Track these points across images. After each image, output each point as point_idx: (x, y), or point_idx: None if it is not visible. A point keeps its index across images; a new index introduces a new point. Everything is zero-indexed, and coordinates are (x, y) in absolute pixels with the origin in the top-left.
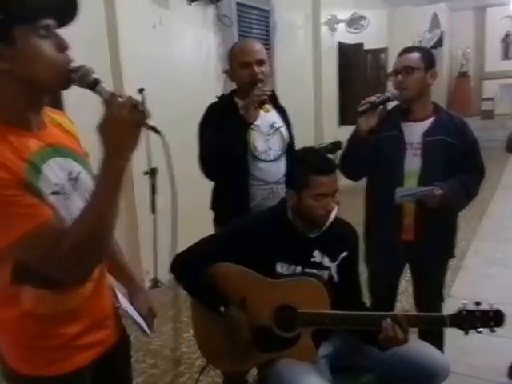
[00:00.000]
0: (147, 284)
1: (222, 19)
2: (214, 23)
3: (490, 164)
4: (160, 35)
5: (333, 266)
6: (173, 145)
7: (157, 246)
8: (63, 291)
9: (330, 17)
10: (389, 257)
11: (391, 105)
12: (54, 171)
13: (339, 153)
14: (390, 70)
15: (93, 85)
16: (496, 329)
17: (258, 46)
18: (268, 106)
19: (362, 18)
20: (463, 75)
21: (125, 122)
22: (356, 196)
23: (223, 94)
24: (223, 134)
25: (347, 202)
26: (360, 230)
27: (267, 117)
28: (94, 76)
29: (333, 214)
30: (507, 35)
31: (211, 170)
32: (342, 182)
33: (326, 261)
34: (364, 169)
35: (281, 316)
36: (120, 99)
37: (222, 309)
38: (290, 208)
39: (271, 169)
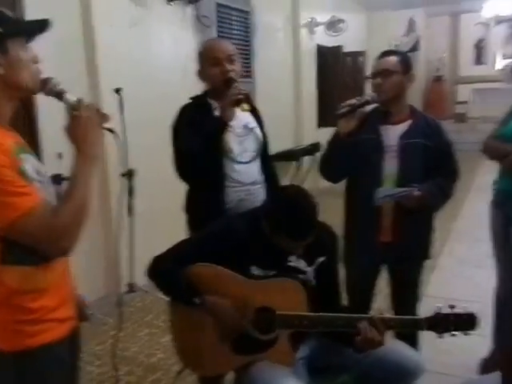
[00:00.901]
0: (123, 288)
1: (201, 19)
2: (194, 23)
3: (464, 166)
4: (138, 35)
5: (309, 270)
6: (151, 145)
7: (133, 250)
8: (45, 266)
9: (309, 19)
10: (367, 258)
11: (369, 107)
12: (30, 163)
13: (318, 154)
14: (368, 72)
15: (59, 94)
16: (469, 332)
17: (227, 44)
18: (245, 105)
19: (341, 21)
20: (438, 79)
21: (92, 122)
22: (335, 197)
23: (196, 95)
24: (199, 137)
25: (326, 203)
26: (339, 231)
27: (241, 118)
28: (60, 87)
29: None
30: (480, 41)
31: (187, 172)
32: (322, 183)
33: (303, 265)
34: (343, 171)
35: (259, 318)
36: (85, 104)
37: (197, 300)
38: (263, 226)
39: (247, 170)
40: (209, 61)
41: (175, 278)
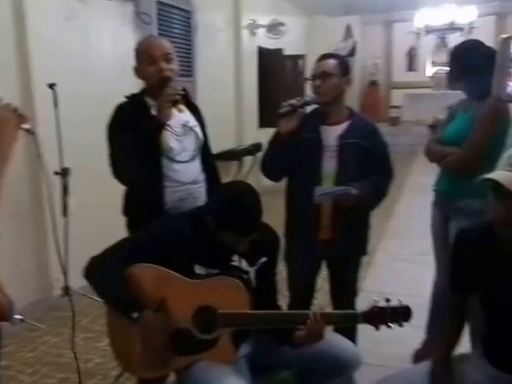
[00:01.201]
0: (57, 292)
1: (141, 17)
2: (133, 20)
3: (397, 167)
4: (75, 29)
5: (251, 271)
6: (88, 143)
7: (68, 251)
8: None
9: (250, 21)
10: (307, 255)
11: (309, 108)
12: None
13: (259, 154)
14: (307, 75)
15: None
16: (404, 323)
17: (164, 42)
18: (182, 106)
19: (282, 24)
20: (373, 84)
21: (8, 122)
22: (277, 197)
23: (132, 94)
24: (136, 137)
25: (269, 202)
26: (281, 230)
27: (180, 116)
28: None
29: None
30: (411, 49)
31: (124, 174)
32: (263, 183)
33: (245, 265)
34: (284, 170)
35: (200, 317)
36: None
37: (136, 315)
38: (208, 222)
39: (187, 169)
40: (145, 59)
41: (115, 286)
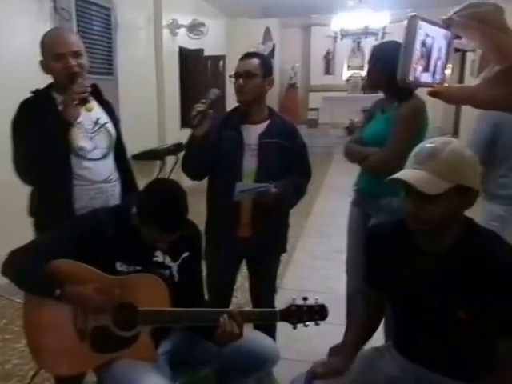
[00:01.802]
0: None
1: (60, 12)
2: (52, 15)
3: (315, 168)
4: None
5: (174, 266)
6: None
7: None
8: None
9: (171, 20)
10: (227, 253)
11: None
12: None
13: (181, 154)
14: (227, 76)
15: None
16: (320, 322)
17: (73, 37)
18: (90, 105)
19: (202, 24)
20: (292, 87)
21: None
22: (198, 196)
23: (38, 89)
24: (42, 134)
25: (190, 202)
26: (202, 229)
27: (91, 113)
28: None
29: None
30: (328, 53)
31: (28, 174)
32: (185, 182)
33: (168, 260)
34: (205, 168)
35: (120, 314)
36: None
37: (58, 291)
38: (133, 218)
39: (98, 168)
40: (51, 54)
41: (33, 269)
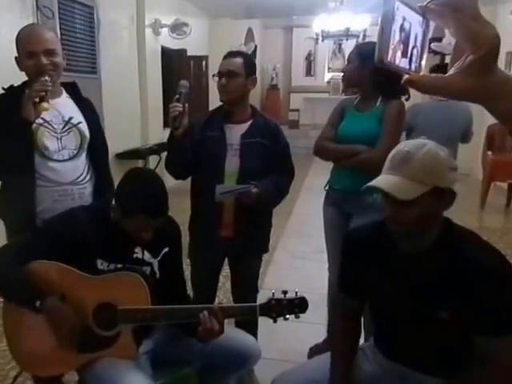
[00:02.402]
0: None
1: (42, 10)
2: (34, 13)
3: (296, 168)
4: None
5: (154, 262)
6: None
7: None
8: None
9: (153, 20)
10: (210, 252)
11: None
12: None
13: (164, 154)
14: (210, 76)
15: None
16: (301, 315)
17: (47, 35)
18: (45, 105)
19: (185, 24)
20: (273, 87)
21: None
22: (181, 196)
23: (11, 86)
24: (4, 132)
25: (173, 201)
26: (185, 229)
27: (62, 112)
28: None
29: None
30: (309, 54)
31: None
32: (168, 183)
33: (148, 257)
34: (188, 168)
35: (101, 314)
36: None
37: (38, 303)
38: (113, 212)
39: (65, 169)
40: (25, 52)
41: (12, 275)
